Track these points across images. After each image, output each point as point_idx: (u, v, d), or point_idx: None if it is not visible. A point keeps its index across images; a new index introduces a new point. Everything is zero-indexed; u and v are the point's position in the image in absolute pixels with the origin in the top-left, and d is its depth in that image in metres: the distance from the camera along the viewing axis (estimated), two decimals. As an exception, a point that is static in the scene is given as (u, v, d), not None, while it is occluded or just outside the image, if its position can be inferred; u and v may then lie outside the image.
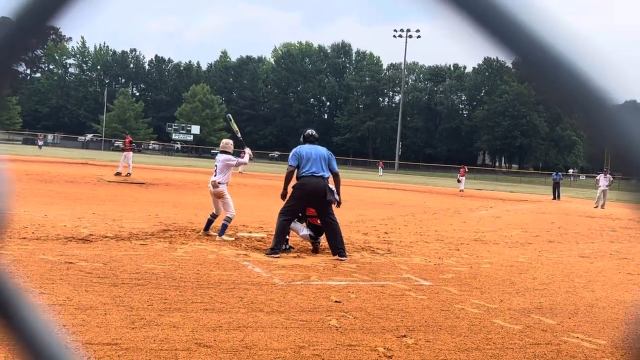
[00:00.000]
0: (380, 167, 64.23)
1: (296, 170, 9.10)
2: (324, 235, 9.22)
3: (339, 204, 9.31)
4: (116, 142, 76.94)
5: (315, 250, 9.31)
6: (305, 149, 9.23)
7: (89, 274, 6.52)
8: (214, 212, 10.24)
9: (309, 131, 9.70)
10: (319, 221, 9.15)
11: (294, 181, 9.19)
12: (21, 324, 0.45)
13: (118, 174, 25.03)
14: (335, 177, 9.38)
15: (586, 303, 7.05)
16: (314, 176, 8.94)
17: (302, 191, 8.97)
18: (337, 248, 8.85)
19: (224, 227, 9.87)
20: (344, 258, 8.74)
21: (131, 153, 26.33)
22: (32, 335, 0.45)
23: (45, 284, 5.96)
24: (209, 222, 10.23)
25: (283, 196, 9.33)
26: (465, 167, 42.29)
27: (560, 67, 0.40)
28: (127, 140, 27.20)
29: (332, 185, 9.24)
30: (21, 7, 0.39)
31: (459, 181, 38.44)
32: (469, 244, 11.85)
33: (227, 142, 10.61)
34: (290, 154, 9.34)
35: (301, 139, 9.64)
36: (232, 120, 11.30)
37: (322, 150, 9.33)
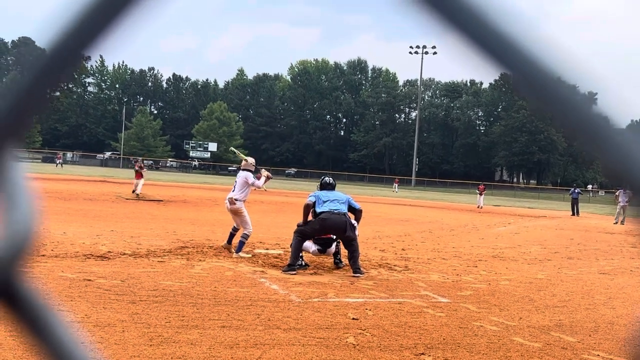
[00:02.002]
0: (395, 184, 64.07)
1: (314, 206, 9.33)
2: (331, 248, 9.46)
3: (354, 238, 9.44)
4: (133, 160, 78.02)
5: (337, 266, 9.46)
6: (322, 192, 9.52)
7: (108, 291, 6.55)
8: (235, 226, 10.29)
9: (326, 179, 9.99)
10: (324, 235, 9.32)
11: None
12: (51, 341, 0.46)
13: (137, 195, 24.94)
14: (359, 212, 9.56)
15: (607, 320, 6.95)
16: (333, 213, 9.09)
17: (322, 225, 9.12)
18: (354, 267, 8.94)
19: (241, 244, 9.90)
20: (358, 275, 8.76)
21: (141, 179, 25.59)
22: (62, 353, 0.46)
23: (64, 301, 5.99)
24: (231, 235, 10.28)
25: (304, 224, 9.46)
26: (483, 184, 41.96)
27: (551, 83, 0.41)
28: (136, 165, 26.61)
29: (354, 220, 9.32)
30: (57, 38, 0.41)
31: (481, 194, 38.31)
32: (487, 260, 11.75)
33: (248, 160, 10.69)
34: (309, 195, 9.60)
35: (317, 187, 9.91)
36: (237, 152, 11.35)
37: (340, 193, 9.62)
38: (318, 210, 9.19)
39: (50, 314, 0.47)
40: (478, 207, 36.88)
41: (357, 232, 9.29)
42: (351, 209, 9.41)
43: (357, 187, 61.92)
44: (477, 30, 0.41)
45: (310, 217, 9.36)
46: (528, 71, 0.41)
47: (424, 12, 0.42)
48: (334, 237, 9.42)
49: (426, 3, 0.43)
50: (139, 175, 25.28)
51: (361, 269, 8.96)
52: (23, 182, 0.47)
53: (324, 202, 9.23)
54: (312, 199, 9.34)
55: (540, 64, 0.41)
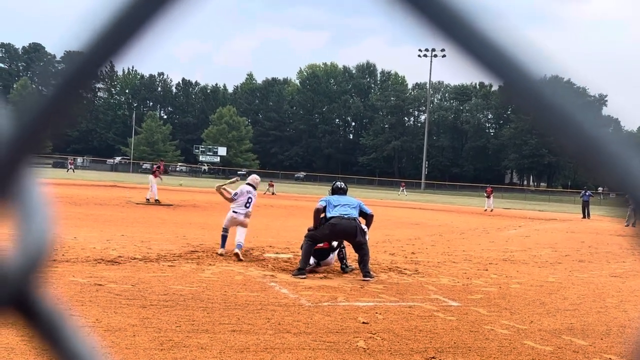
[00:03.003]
0: (402, 188, 63.92)
1: (324, 212, 9.29)
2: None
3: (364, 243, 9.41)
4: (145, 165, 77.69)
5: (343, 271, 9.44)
6: (334, 197, 9.50)
7: (118, 296, 6.58)
8: (228, 229, 10.30)
9: (338, 183, 10.02)
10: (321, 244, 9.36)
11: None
12: (66, 352, 0.46)
13: (157, 201, 24.13)
14: (370, 217, 9.53)
15: (618, 324, 6.90)
16: (343, 218, 9.05)
17: (332, 230, 9.09)
18: (364, 270, 8.92)
19: (240, 247, 9.97)
20: (368, 279, 8.74)
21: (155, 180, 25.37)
22: None
23: (75, 305, 6.02)
24: (225, 238, 10.31)
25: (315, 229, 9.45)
26: (491, 187, 41.35)
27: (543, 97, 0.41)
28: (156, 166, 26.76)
29: (364, 225, 9.30)
30: (91, 40, 0.42)
31: (489, 197, 37.98)
32: (498, 263, 11.70)
33: (257, 178, 10.79)
34: (320, 200, 9.59)
35: (329, 192, 9.90)
36: (226, 183, 11.22)
37: (351, 198, 9.59)
38: (328, 215, 9.16)
39: (66, 325, 0.48)
40: (485, 210, 36.57)
41: (367, 237, 9.28)
42: (362, 213, 9.38)
43: (366, 191, 61.87)
44: (462, 33, 0.41)
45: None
46: (514, 78, 0.41)
47: (408, 13, 0.42)
48: (335, 244, 9.42)
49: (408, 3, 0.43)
50: (155, 174, 24.96)
51: (371, 272, 8.95)
52: (38, 191, 0.48)
53: (335, 206, 9.21)
54: (323, 204, 9.33)
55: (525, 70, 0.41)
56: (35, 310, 0.46)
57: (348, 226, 9.02)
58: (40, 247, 0.45)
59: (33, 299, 0.46)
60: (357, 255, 9.15)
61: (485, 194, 38.54)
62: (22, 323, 0.47)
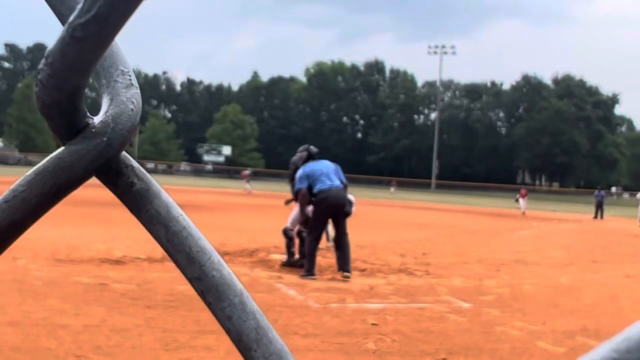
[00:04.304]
0: (392, 186, 63.66)
1: (310, 188, 8.72)
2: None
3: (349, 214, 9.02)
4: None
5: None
6: (310, 167, 8.83)
7: (123, 296, 6.52)
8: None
9: (312, 148, 9.28)
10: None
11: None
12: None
13: None
14: (345, 188, 8.95)
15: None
16: (331, 188, 8.58)
17: (324, 205, 8.61)
18: (346, 264, 8.59)
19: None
20: (349, 274, 8.48)
21: None
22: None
23: (80, 305, 5.97)
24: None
25: (306, 222, 9.20)
26: (525, 188, 39.38)
27: None
28: None
29: (351, 197, 8.99)
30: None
31: (517, 201, 36.54)
32: (510, 264, 11.56)
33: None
34: (297, 177, 8.87)
35: (299, 158, 9.17)
36: None
37: (329, 162, 8.97)
38: (317, 188, 8.57)
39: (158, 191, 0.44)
40: (523, 213, 34.31)
41: (353, 208, 8.93)
42: (341, 180, 8.81)
43: (375, 191, 61.78)
44: None
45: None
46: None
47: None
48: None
49: None
50: None
51: (350, 268, 8.60)
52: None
53: (319, 175, 8.62)
54: (304, 185, 8.68)
55: None
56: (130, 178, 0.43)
57: (338, 195, 8.56)
58: (128, 113, 0.41)
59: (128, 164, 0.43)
60: (336, 251, 8.72)
61: (518, 196, 36.65)
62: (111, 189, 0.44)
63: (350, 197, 8.89)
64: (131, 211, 0.43)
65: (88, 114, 0.42)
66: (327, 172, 8.71)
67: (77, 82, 0.39)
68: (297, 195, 9.20)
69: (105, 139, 0.41)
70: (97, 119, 0.42)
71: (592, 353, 0.29)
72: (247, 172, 45.43)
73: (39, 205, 0.40)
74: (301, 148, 9.38)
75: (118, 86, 0.43)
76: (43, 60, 0.38)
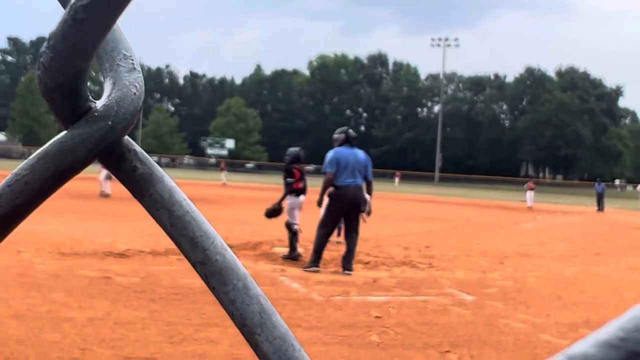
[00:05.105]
0: (396, 178, 63.60)
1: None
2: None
3: (369, 212, 9.00)
4: None
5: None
6: (344, 154, 8.69)
7: (127, 289, 6.53)
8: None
9: (351, 132, 9.06)
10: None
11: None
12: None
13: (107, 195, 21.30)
14: (369, 185, 8.95)
15: (638, 318, 6.75)
16: (350, 186, 8.57)
17: (339, 202, 8.63)
18: (348, 262, 8.56)
19: None
20: (350, 272, 8.45)
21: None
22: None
23: (84, 298, 5.98)
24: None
25: (319, 203, 9.13)
26: (533, 181, 37.68)
27: None
28: None
29: (366, 195, 8.96)
30: None
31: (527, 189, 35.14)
32: (513, 257, 11.55)
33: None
34: (328, 157, 8.76)
35: (338, 139, 9.00)
36: None
37: (361, 155, 8.85)
38: (337, 181, 8.54)
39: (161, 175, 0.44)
40: (529, 207, 33.11)
41: (368, 207, 8.84)
42: (366, 175, 8.79)
43: (379, 184, 61.69)
44: None
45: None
46: None
47: None
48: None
49: None
50: None
51: (352, 266, 8.60)
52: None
53: (344, 168, 8.55)
54: (333, 169, 8.57)
55: None
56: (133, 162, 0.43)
57: (354, 196, 8.55)
58: (131, 97, 0.42)
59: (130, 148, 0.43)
60: (345, 248, 8.70)
61: (527, 188, 35.40)
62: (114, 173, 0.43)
63: (367, 196, 8.85)
64: (134, 195, 0.43)
65: (91, 97, 0.42)
66: (353, 166, 8.63)
67: (80, 65, 0.39)
68: (289, 187, 9.45)
69: (109, 122, 0.41)
70: (99, 103, 0.42)
71: (599, 331, 0.29)
72: (223, 162, 45.89)
73: (42, 189, 0.40)
74: (339, 130, 9.25)
75: (121, 70, 0.43)
76: (45, 44, 0.38)
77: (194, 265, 0.41)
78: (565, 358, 0.29)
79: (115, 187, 26.26)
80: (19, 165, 0.41)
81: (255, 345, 0.40)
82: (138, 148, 0.43)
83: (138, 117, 0.43)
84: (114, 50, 0.43)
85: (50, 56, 0.38)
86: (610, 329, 0.29)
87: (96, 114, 0.41)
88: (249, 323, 0.40)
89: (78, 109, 0.41)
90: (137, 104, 0.42)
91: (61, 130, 0.42)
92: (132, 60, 0.44)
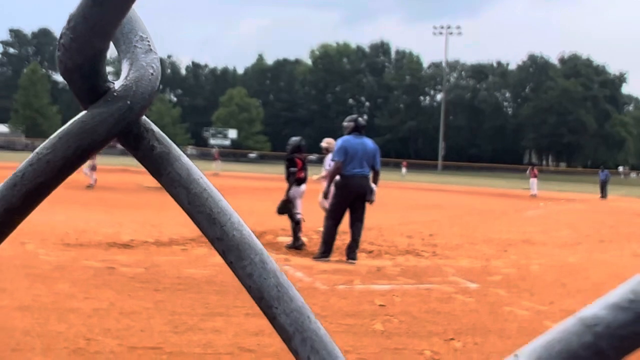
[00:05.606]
0: (403, 167, 63.52)
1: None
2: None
3: (372, 201, 8.91)
4: None
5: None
6: (353, 143, 8.57)
7: (132, 279, 6.55)
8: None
9: (361, 120, 8.98)
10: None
11: None
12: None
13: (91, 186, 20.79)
14: (376, 174, 8.84)
15: (643, 305, 6.75)
16: (356, 176, 8.51)
17: (345, 191, 8.58)
18: (352, 251, 8.56)
19: None
20: (354, 262, 8.44)
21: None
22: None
23: (89, 289, 6.00)
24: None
25: (325, 195, 9.13)
26: (536, 168, 36.37)
27: None
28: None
29: (372, 185, 8.92)
30: None
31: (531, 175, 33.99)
32: (517, 245, 11.55)
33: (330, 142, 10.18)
34: (337, 146, 8.68)
35: (347, 127, 8.87)
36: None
37: (370, 145, 8.73)
38: (343, 170, 8.47)
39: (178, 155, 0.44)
40: (534, 195, 32.17)
41: (374, 196, 8.77)
42: (374, 165, 8.71)
43: (383, 174, 61.55)
44: None
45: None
46: None
47: None
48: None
49: None
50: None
51: (356, 255, 8.59)
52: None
53: (352, 158, 8.47)
54: (342, 158, 8.47)
55: None
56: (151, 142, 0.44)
57: (360, 186, 8.50)
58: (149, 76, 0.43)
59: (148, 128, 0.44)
60: (350, 236, 8.66)
61: (529, 175, 34.29)
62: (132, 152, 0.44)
63: (373, 185, 8.79)
64: (152, 174, 0.44)
65: (109, 78, 0.43)
66: (361, 156, 8.54)
67: (99, 45, 0.39)
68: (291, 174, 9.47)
69: (127, 102, 0.41)
70: (118, 83, 0.42)
71: (611, 294, 0.30)
72: (217, 151, 45.79)
73: (64, 167, 0.41)
74: (349, 118, 9.13)
75: (137, 51, 0.43)
76: (65, 25, 0.39)
77: (211, 241, 0.42)
78: (576, 320, 0.30)
79: (119, 179, 26.25)
80: (41, 145, 0.41)
81: (272, 318, 0.40)
82: (155, 128, 0.44)
83: (155, 98, 0.44)
84: (131, 32, 0.44)
85: (70, 37, 0.38)
86: (620, 292, 0.29)
87: (115, 94, 0.42)
88: (266, 296, 0.41)
89: (97, 89, 0.42)
90: (154, 84, 0.43)
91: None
92: (149, 41, 0.44)
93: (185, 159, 0.44)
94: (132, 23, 0.44)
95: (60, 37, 0.39)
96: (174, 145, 0.44)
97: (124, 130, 0.42)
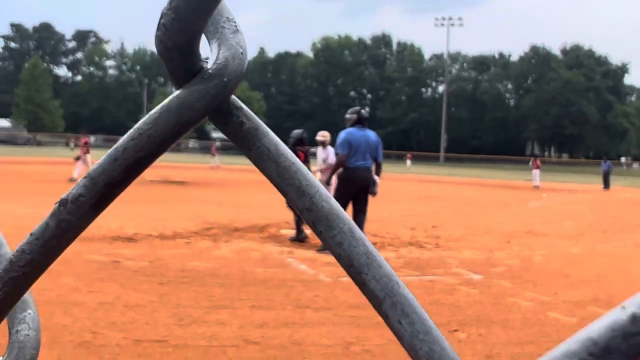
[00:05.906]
0: (408, 160, 63.42)
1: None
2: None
3: (374, 194, 8.91)
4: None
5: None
6: (356, 136, 8.62)
7: (136, 273, 6.57)
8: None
9: (364, 112, 9.04)
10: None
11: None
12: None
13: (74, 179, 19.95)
14: (378, 167, 8.91)
15: (646, 295, 6.75)
16: (359, 168, 8.54)
17: (348, 184, 8.61)
18: None
19: None
20: None
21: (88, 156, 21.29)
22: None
23: (94, 282, 6.02)
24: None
25: (328, 182, 9.10)
26: (540, 159, 36.21)
27: None
28: (83, 141, 22.58)
29: (375, 177, 8.92)
30: None
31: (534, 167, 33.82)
32: (520, 236, 11.55)
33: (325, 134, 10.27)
34: (340, 138, 8.72)
35: (350, 119, 8.92)
36: None
37: (373, 137, 8.78)
38: (346, 162, 8.53)
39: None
40: (536, 186, 31.74)
41: (377, 189, 8.78)
42: (376, 157, 8.76)
43: (384, 165, 61.54)
44: None
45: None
46: None
47: None
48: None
49: None
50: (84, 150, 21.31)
51: None
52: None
53: (355, 151, 8.51)
54: (346, 151, 8.53)
55: None
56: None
57: (364, 178, 8.54)
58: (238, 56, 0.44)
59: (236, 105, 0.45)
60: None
61: (532, 166, 33.98)
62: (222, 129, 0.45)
63: (376, 177, 8.80)
64: (241, 149, 0.46)
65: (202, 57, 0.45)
66: (364, 148, 8.59)
67: (199, 25, 0.41)
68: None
69: (224, 79, 0.43)
70: (211, 62, 0.44)
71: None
72: (217, 145, 45.67)
73: (163, 142, 0.42)
74: (351, 110, 9.18)
75: (226, 32, 0.45)
76: (167, 5, 0.40)
77: (301, 212, 0.43)
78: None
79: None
80: (140, 120, 0.43)
81: (362, 284, 0.42)
82: (244, 105, 0.46)
83: (244, 77, 0.46)
84: (218, 14, 0.46)
85: (172, 17, 0.40)
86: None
87: (210, 71, 0.43)
88: (355, 263, 0.42)
89: (192, 68, 0.44)
90: (244, 63, 0.45)
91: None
92: (235, 22, 0.46)
93: (272, 135, 0.45)
94: (218, 6, 0.46)
95: (161, 17, 0.41)
96: (262, 122, 0.46)
97: (217, 107, 0.44)
